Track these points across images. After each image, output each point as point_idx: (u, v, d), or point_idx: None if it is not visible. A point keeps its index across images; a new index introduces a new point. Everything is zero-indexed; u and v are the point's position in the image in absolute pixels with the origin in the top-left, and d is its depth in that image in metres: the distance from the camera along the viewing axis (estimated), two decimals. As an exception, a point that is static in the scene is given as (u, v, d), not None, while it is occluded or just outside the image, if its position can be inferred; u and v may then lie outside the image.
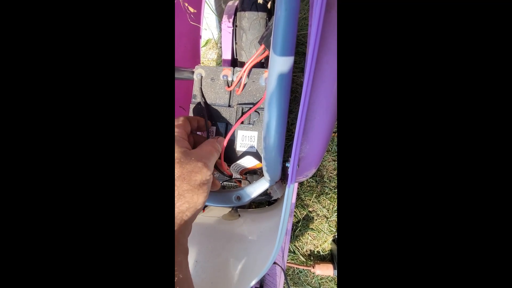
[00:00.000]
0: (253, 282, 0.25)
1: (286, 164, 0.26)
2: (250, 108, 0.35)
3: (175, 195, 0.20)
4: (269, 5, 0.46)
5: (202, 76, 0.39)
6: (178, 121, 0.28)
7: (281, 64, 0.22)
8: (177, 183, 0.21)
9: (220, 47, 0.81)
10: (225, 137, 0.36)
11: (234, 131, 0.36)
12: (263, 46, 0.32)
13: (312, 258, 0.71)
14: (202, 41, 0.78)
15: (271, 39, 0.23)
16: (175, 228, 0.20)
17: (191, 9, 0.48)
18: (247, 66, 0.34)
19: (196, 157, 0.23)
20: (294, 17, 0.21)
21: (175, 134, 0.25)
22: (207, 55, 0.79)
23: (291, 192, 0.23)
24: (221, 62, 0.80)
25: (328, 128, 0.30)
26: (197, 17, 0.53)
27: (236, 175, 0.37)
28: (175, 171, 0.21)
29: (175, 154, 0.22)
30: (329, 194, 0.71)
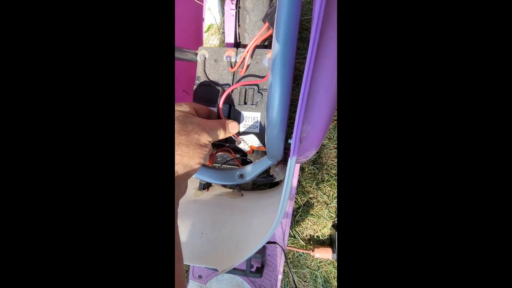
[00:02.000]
0: (254, 251, 0.26)
1: (289, 141, 0.27)
2: (253, 88, 0.36)
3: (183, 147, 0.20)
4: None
5: (205, 58, 0.39)
6: (181, 106, 0.27)
7: (284, 39, 0.22)
8: (175, 135, 0.20)
9: (223, 32, 0.80)
10: (220, 104, 0.34)
11: (237, 112, 0.36)
12: (267, 24, 0.32)
13: (311, 242, 0.73)
14: (205, 26, 0.77)
15: (276, 15, 0.23)
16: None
17: None
18: (251, 45, 0.34)
19: (199, 122, 0.23)
20: None
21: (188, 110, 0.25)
22: (209, 41, 0.78)
23: (293, 163, 0.24)
24: (223, 47, 0.79)
25: (329, 108, 0.30)
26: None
27: (244, 146, 0.37)
28: (175, 126, 0.21)
29: (176, 114, 0.22)
30: (330, 181, 0.72)
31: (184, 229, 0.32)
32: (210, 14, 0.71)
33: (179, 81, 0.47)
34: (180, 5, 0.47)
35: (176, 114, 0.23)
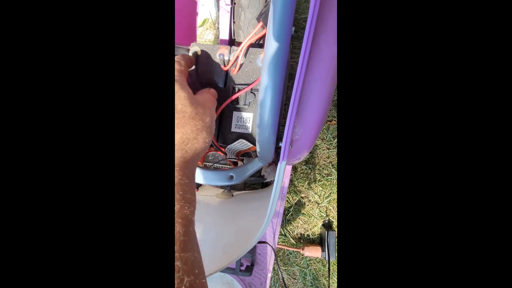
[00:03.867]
0: (241, 255, 0.26)
1: (280, 144, 0.27)
2: (244, 89, 0.35)
3: (192, 133, 0.21)
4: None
5: (198, 54, 0.38)
6: (178, 64, 0.27)
7: (277, 39, 0.22)
8: (192, 121, 0.22)
9: (218, 27, 0.79)
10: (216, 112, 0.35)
11: (229, 112, 0.36)
12: (261, 23, 0.31)
13: (302, 241, 0.74)
14: (199, 21, 0.75)
15: (269, 17, 0.22)
16: (186, 165, 0.21)
17: None
18: (244, 44, 0.33)
19: (202, 102, 0.24)
20: None
21: (177, 78, 0.25)
22: (204, 36, 0.76)
23: (282, 168, 0.23)
24: (218, 43, 0.78)
25: (322, 111, 0.30)
26: (194, -8, 0.51)
27: (231, 156, 0.37)
28: (188, 112, 0.22)
29: (184, 95, 0.22)
30: (321, 181, 0.73)
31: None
32: (205, 8, 0.70)
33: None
34: (173, -2, 0.46)
35: (186, 95, 0.23)
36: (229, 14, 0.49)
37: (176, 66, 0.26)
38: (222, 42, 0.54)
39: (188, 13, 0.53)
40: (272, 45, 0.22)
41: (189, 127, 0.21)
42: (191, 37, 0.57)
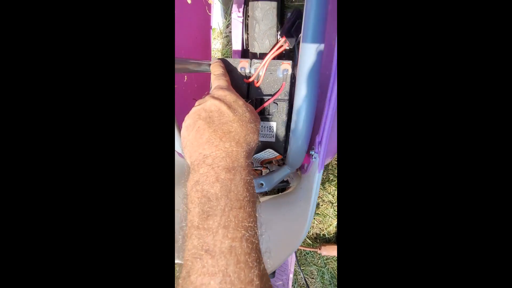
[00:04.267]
0: (279, 264, 0.27)
1: (311, 152, 0.28)
2: (269, 99, 0.37)
3: (252, 135, 0.23)
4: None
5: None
6: (221, 68, 0.30)
7: (312, 52, 0.23)
8: (250, 125, 0.23)
9: (226, 36, 0.80)
10: None
11: None
12: (284, 38, 0.33)
13: (318, 240, 0.75)
14: (207, 31, 0.76)
15: (302, 29, 0.24)
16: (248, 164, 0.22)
17: (188, 0, 0.48)
18: (268, 58, 0.35)
19: (253, 109, 0.26)
20: (324, 5, 0.22)
21: (226, 84, 0.28)
22: (212, 45, 0.78)
23: (320, 178, 0.25)
24: (226, 52, 0.79)
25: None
26: (206, 6, 0.52)
27: (256, 165, 0.38)
28: (248, 117, 0.24)
29: (242, 102, 0.24)
30: (335, 181, 0.74)
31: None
32: (214, 18, 0.71)
33: (189, 88, 0.47)
34: (188, 13, 0.48)
35: (243, 103, 0.25)
36: (241, 25, 0.51)
37: (221, 70, 0.29)
38: (235, 52, 0.55)
39: (203, 28, 0.55)
40: (309, 58, 0.23)
41: (250, 129, 0.23)
42: (206, 50, 0.59)
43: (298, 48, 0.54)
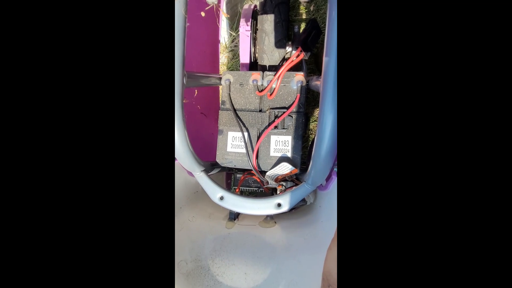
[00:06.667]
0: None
1: (335, 169, 0.26)
2: (283, 112, 0.35)
3: None
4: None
5: (230, 82, 0.38)
6: None
7: (336, 66, 0.22)
8: None
9: (231, 50, 0.81)
10: (257, 142, 0.35)
11: (266, 136, 0.36)
12: (299, 49, 0.32)
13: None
14: (213, 45, 0.76)
15: (325, 43, 0.22)
16: None
17: (202, 14, 0.48)
18: (283, 70, 0.33)
19: None
20: None
21: None
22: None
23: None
24: (231, 66, 0.79)
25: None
26: (215, 19, 0.52)
27: (271, 183, 0.36)
28: None
29: None
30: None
31: (226, 269, 0.30)
32: (220, 32, 0.72)
33: (198, 103, 0.46)
34: (197, 28, 0.47)
35: None
36: (249, 39, 0.50)
37: None
38: (243, 65, 0.55)
39: (212, 42, 0.54)
40: (333, 72, 0.22)
41: None
42: (215, 64, 0.58)
43: (315, 59, 0.53)
